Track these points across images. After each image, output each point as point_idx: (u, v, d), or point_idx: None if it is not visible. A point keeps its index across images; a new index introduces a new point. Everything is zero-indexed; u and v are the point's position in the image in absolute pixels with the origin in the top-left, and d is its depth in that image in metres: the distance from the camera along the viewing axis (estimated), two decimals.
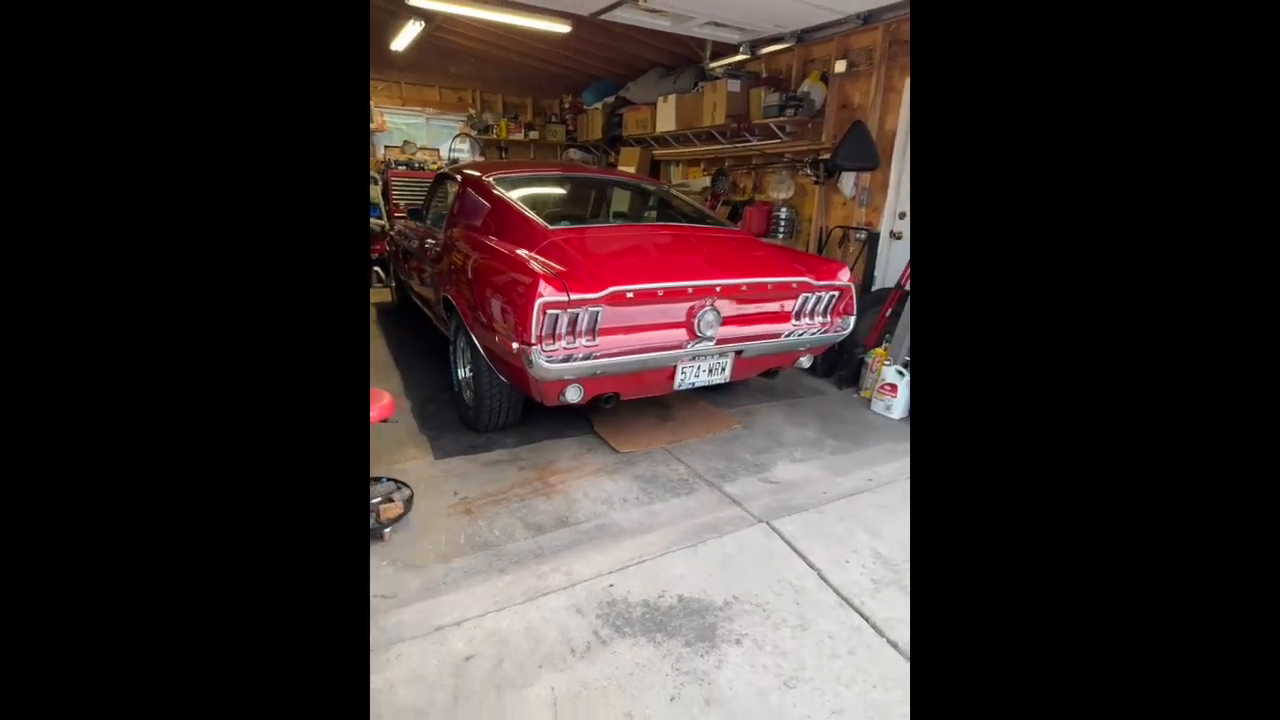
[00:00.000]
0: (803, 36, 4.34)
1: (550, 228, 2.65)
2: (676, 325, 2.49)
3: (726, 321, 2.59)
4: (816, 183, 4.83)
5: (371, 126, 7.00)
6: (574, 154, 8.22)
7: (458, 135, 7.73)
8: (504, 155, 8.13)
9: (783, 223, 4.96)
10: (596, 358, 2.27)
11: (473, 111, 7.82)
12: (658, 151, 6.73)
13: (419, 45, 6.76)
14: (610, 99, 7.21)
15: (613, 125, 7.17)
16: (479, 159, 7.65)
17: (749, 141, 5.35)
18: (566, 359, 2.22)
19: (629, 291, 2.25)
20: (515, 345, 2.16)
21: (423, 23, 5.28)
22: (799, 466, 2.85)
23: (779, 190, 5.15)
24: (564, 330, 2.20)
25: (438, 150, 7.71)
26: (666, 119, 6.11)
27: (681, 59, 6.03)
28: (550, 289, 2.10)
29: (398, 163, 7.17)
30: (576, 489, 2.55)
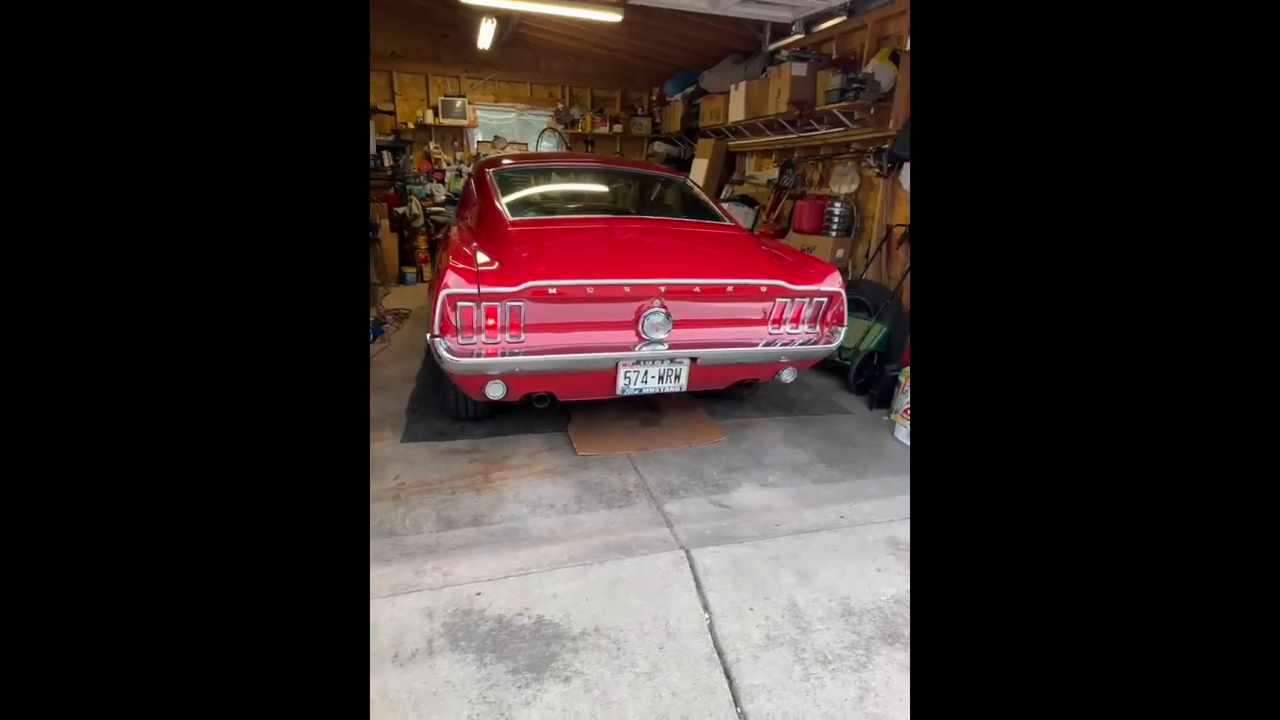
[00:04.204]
0: (854, 9, 3.84)
1: (510, 219, 2.60)
2: (622, 326, 2.32)
3: (683, 324, 2.37)
4: (880, 175, 4.29)
5: (464, 122, 7.43)
6: (658, 147, 8.10)
7: (545, 130, 7.96)
8: (590, 149, 8.23)
9: (836, 219, 4.47)
10: (520, 354, 2.18)
11: (560, 106, 7.99)
12: (732, 143, 6.41)
13: (509, 43, 7.04)
14: (691, 89, 6.99)
15: (690, 116, 6.95)
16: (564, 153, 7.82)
17: (816, 130, 4.89)
18: (487, 354, 2.15)
19: (551, 287, 2.13)
20: (427, 335, 2.14)
21: (494, 20, 5.47)
22: (765, 492, 2.54)
23: (841, 183, 4.66)
24: (481, 324, 2.13)
25: (526, 145, 8.01)
26: (737, 108, 5.78)
27: (755, 44, 5.66)
28: (458, 281, 2.05)
29: (485, 156, 7.56)
30: (511, 488, 2.48)
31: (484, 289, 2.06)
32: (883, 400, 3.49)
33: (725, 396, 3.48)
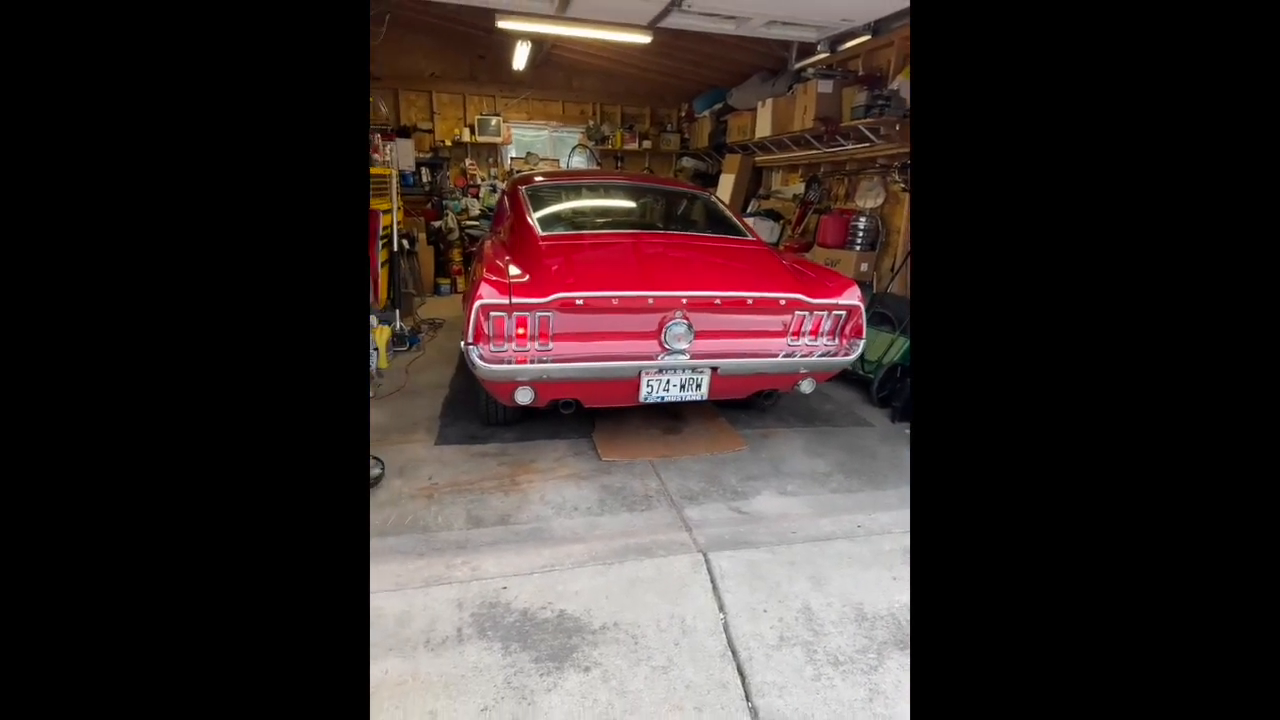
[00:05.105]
0: (879, 28, 3.90)
1: (541, 233, 2.73)
2: (646, 336, 2.42)
3: (705, 335, 2.46)
4: (905, 190, 4.33)
5: (498, 139, 7.69)
6: (686, 162, 8.24)
7: (576, 147, 8.17)
8: (620, 165, 8.42)
9: (861, 233, 4.51)
10: (548, 362, 2.30)
11: (591, 123, 8.21)
12: (759, 158, 6.50)
13: (542, 63, 7.29)
14: (719, 105, 7.12)
15: (718, 132, 7.08)
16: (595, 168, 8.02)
17: (842, 146, 4.95)
18: (517, 362, 2.27)
19: (578, 298, 2.24)
20: (462, 343, 2.28)
21: (529, 43, 5.69)
22: (783, 500, 2.59)
23: (867, 198, 4.70)
24: (512, 333, 2.26)
25: (557, 161, 8.23)
26: (764, 124, 5.88)
27: (782, 62, 5.76)
28: (492, 292, 2.18)
29: (519, 172, 7.80)
30: (537, 490, 2.59)
31: (515, 300, 2.18)
32: (905, 413, 3.50)
33: (747, 407, 3.53)
